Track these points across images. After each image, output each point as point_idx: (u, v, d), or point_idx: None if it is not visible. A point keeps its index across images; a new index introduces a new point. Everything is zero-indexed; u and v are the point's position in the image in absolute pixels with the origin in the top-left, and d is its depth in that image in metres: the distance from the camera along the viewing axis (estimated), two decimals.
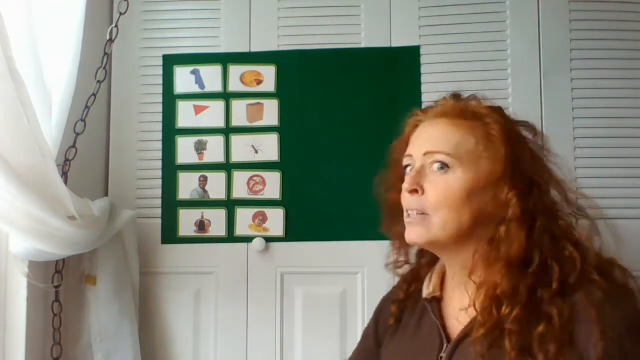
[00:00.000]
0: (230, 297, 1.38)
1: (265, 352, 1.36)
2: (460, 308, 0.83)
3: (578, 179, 1.33)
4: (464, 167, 0.82)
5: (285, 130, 1.41)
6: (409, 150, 0.88)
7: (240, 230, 1.40)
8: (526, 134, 0.88)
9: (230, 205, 1.41)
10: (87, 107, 1.23)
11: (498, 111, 0.88)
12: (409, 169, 0.88)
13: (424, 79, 1.39)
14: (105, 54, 1.25)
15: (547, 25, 1.37)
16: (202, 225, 1.41)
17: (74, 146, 1.22)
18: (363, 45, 1.42)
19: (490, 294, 0.79)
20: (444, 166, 0.83)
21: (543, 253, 0.79)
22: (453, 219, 0.82)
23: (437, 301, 0.90)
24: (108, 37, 1.25)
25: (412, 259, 0.98)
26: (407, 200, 0.85)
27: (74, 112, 1.18)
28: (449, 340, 0.84)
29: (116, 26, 1.25)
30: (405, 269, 1.00)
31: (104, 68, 1.25)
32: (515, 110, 1.35)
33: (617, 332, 0.71)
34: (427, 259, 0.96)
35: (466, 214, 0.82)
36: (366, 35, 1.42)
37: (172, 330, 1.38)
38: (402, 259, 0.98)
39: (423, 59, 1.40)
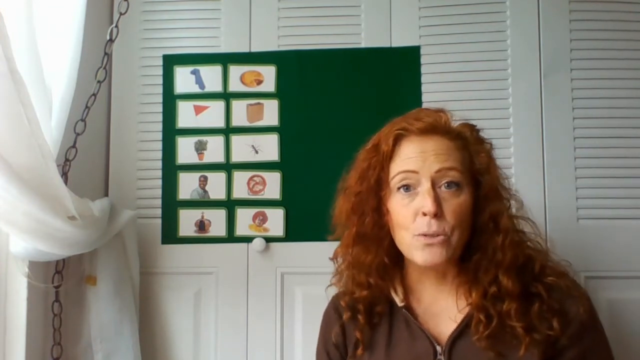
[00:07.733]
0: (230, 297, 1.38)
1: (265, 352, 1.36)
2: (447, 312, 0.86)
3: (578, 179, 1.33)
4: (468, 185, 0.85)
5: (285, 130, 1.41)
6: (409, 166, 0.84)
7: (240, 230, 1.40)
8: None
9: (230, 205, 1.41)
10: (87, 107, 1.24)
11: (475, 129, 0.90)
12: (405, 187, 0.85)
13: (424, 79, 1.39)
14: (105, 54, 1.25)
15: (547, 25, 1.37)
16: (202, 225, 1.41)
17: (74, 146, 1.22)
18: (363, 45, 1.42)
19: (484, 295, 0.83)
20: (457, 185, 0.83)
21: (523, 252, 0.86)
22: (463, 236, 0.84)
23: (408, 310, 0.90)
24: (108, 37, 1.25)
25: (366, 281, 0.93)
26: (427, 223, 0.81)
27: (74, 112, 1.18)
28: (436, 343, 0.85)
29: (116, 26, 1.25)
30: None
31: (104, 68, 1.25)
32: (516, 110, 1.36)
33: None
34: (381, 274, 0.92)
35: (468, 229, 0.85)
36: (366, 35, 1.42)
37: (172, 330, 1.38)
38: (363, 293, 0.92)
39: (423, 59, 1.40)
